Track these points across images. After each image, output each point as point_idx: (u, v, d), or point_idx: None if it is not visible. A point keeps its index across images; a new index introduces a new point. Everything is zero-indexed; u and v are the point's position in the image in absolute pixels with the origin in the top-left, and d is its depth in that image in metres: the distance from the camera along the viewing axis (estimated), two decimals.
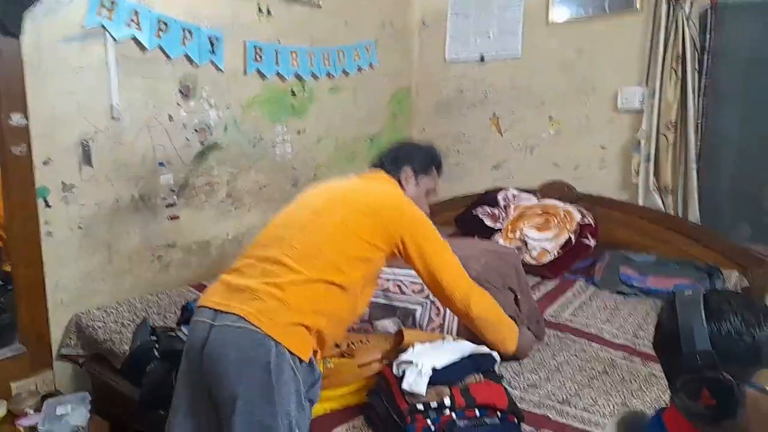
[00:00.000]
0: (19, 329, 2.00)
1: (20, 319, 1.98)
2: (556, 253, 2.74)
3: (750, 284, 2.57)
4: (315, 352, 1.35)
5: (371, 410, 1.48)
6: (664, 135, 2.78)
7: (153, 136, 2.35)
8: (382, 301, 2.03)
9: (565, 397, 1.62)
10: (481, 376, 1.45)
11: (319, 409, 1.51)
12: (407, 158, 1.72)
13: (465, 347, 1.48)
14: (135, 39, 2.22)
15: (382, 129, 3.56)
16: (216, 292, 1.37)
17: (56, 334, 2.07)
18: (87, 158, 2.10)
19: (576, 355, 1.91)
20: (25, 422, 1.80)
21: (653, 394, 1.65)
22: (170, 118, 2.41)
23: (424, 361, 1.39)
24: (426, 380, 1.34)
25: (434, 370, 1.37)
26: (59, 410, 1.80)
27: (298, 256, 1.36)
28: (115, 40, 2.15)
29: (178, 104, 2.42)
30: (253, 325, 1.25)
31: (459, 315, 1.60)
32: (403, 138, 3.68)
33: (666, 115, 2.76)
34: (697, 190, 2.74)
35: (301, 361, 1.28)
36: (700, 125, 2.73)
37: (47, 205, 2.01)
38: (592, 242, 2.84)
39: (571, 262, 2.78)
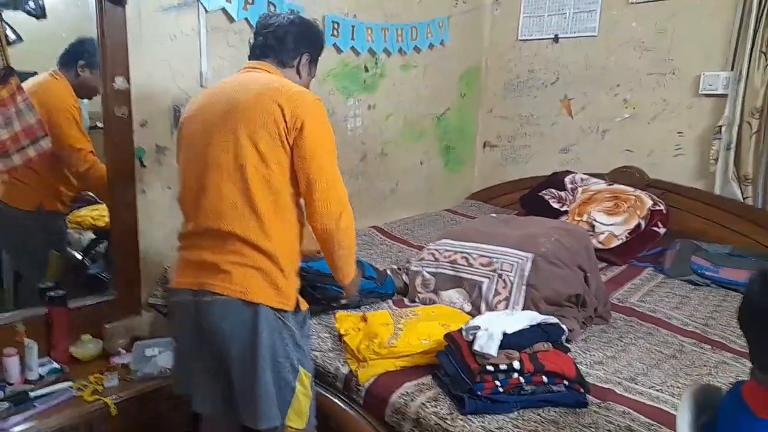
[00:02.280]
0: (112, 277, 2.18)
1: (115, 269, 2.16)
2: (624, 239, 2.70)
3: None
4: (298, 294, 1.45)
5: (439, 369, 1.55)
6: (748, 122, 2.68)
7: None
8: (449, 272, 2.09)
9: (632, 375, 1.63)
10: (550, 344, 1.48)
11: (389, 365, 1.59)
12: (303, 43, 1.55)
13: (534, 316, 1.52)
14: (224, 10, 2.33)
15: (449, 108, 3.57)
16: (184, 272, 1.42)
17: (145, 284, 2.24)
18: (176, 122, 2.24)
19: (643, 338, 1.90)
20: (118, 360, 1.97)
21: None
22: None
23: (494, 325, 1.44)
24: (497, 343, 1.38)
25: (504, 334, 1.42)
26: (148, 352, 1.96)
27: (235, 215, 1.35)
28: (206, 10, 2.27)
29: None
30: (231, 296, 1.33)
31: (325, 223, 1.39)
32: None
33: (751, 101, 2.65)
34: None
35: (286, 311, 1.38)
36: None
37: (142, 165, 2.16)
38: (662, 230, 2.79)
39: (639, 249, 2.74)
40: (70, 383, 1.79)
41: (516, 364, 1.40)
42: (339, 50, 2.83)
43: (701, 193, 2.89)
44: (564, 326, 1.57)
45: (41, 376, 1.81)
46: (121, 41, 1.99)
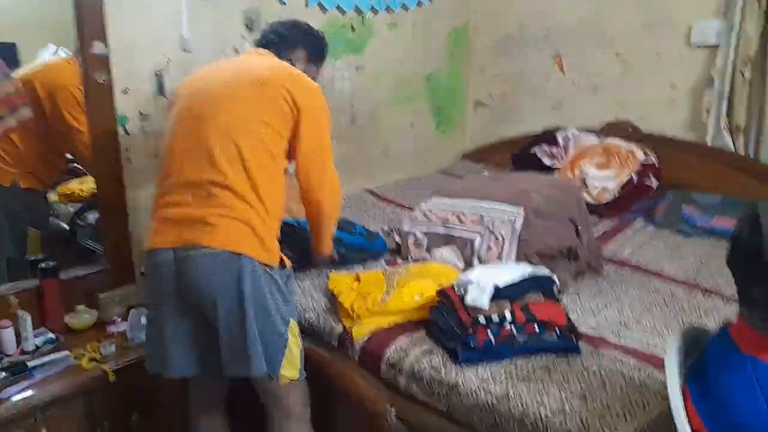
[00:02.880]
0: (104, 248, 2.17)
1: (105, 238, 2.15)
2: (616, 193, 2.70)
3: None
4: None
5: (432, 324, 1.56)
6: (741, 72, 2.64)
7: None
8: (441, 231, 2.08)
9: (623, 321, 1.65)
10: (541, 295, 1.49)
11: (383, 322, 1.60)
12: (301, 40, 1.70)
13: (525, 268, 1.52)
14: None
15: (439, 68, 3.52)
16: (164, 231, 1.41)
17: (138, 253, 2.23)
18: (160, 88, 2.20)
19: (635, 288, 1.91)
20: (114, 328, 1.97)
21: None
22: (236, 50, 2.46)
23: (485, 279, 1.44)
24: (488, 295, 1.39)
25: (496, 287, 1.42)
26: (143, 320, 1.97)
27: (228, 168, 1.38)
28: None
29: (243, 37, 2.47)
30: (217, 248, 1.34)
31: (319, 199, 1.56)
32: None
33: (745, 51, 2.61)
34: None
35: (273, 266, 1.40)
36: None
37: (126, 133, 2.13)
38: (654, 183, 2.78)
39: (631, 203, 2.74)
40: (67, 352, 1.80)
41: (507, 315, 1.41)
42: (324, 9, 2.77)
43: (693, 145, 2.87)
44: (554, 277, 1.57)
45: (37, 347, 1.82)
46: (97, 4, 1.93)
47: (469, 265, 1.98)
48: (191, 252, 1.35)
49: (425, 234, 2.11)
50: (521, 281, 1.47)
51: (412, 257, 2.11)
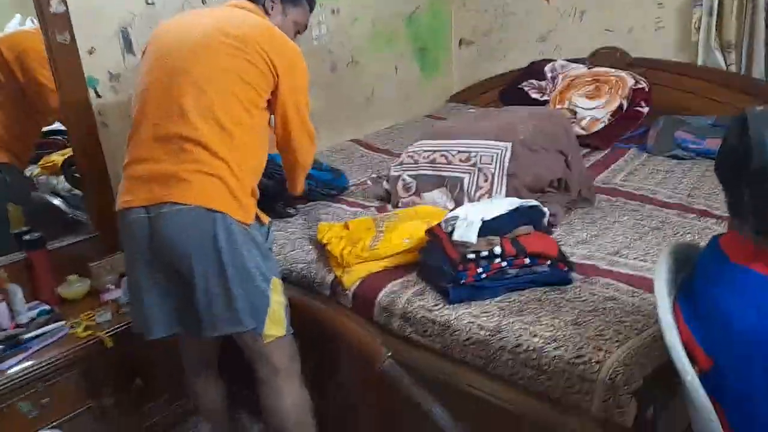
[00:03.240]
0: (90, 216, 2.13)
1: (90, 207, 2.11)
2: (606, 121, 2.64)
3: None
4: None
5: (423, 265, 1.54)
6: None
7: None
8: (429, 173, 2.04)
9: (616, 249, 1.63)
10: (531, 227, 1.47)
11: (373, 267, 1.59)
12: None
13: (513, 201, 1.49)
14: None
15: (419, 6, 3.39)
16: (135, 189, 1.36)
17: None
18: (128, 46, 2.12)
19: (628, 215, 1.89)
20: (107, 296, 1.96)
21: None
22: (203, 1, 2.36)
23: (472, 214, 1.41)
24: (476, 230, 1.37)
25: (483, 221, 1.40)
26: None
27: (203, 122, 1.33)
28: None
29: None
30: (191, 204, 1.29)
31: (296, 155, 1.60)
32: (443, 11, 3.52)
33: None
34: (765, 43, 2.53)
35: (248, 223, 1.36)
36: None
37: (98, 95, 2.06)
38: (645, 109, 2.72)
39: (622, 131, 2.68)
40: (62, 322, 1.79)
41: (497, 249, 1.39)
42: None
43: (684, 66, 2.80)
44: (545, 208, 1.55)
45: (32, 319, 1.81)
46: None
47: (459, 205, 1.95)
48: (164, 209, 1.30)
49: (414, 177, 2.08)
50: (509, 214, 1.44)
51: (402, 202, 2.08)
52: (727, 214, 1.83)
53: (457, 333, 1.34)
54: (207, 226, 1.30)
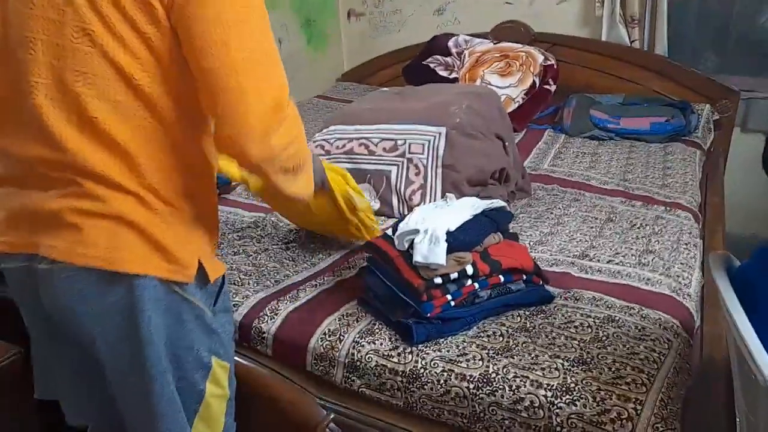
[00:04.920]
0: None
1: None
2: (520, 101, 2.45)
3: (719, 117, 2.44)
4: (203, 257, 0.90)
5: (366, 292, 1.18)
6: None
7: None
8: (346, 165, 1.67)
9: (581, 251, 1.40)
10: (500, 235, 1.17)
11: None
12: None
13: (474, 203, 1.18)
14: None
15: None
16: (5, 224, 0.87)
17: None
18: None
19: (572, 206, 1.68)
20: None
21: (671, 235, 1.47)
22: None
23: (434, 225, 1.08)
24: (444, 247, 1.03)
25: (449, 233, 1.07)
26: None
27: (78, 135, 0.79)
28: None
29: None
30: (89, 264, 0.82)
31: (244, 142, 0.83)
32: None
33: None
34: (667, 19, 2.49)
35: (182, 283, 0.87)
36: None
37: None
38: (553, 87, 2.57)
39: (534, 110, 2.51)
40: None
41: (469, 269, 1.07)
42: None
43: (587, 42, 2.69)
44: (507, 207, 1.26)
45: None
46: None
47: (387, 204, 1.62)
48: (44, 265, 0.82)
49: None
50: (476, 220, 1.13)
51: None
52: (669, 200, 1.71)
53: (428, 386, 1.00)
54: (114, 297, 0.83)
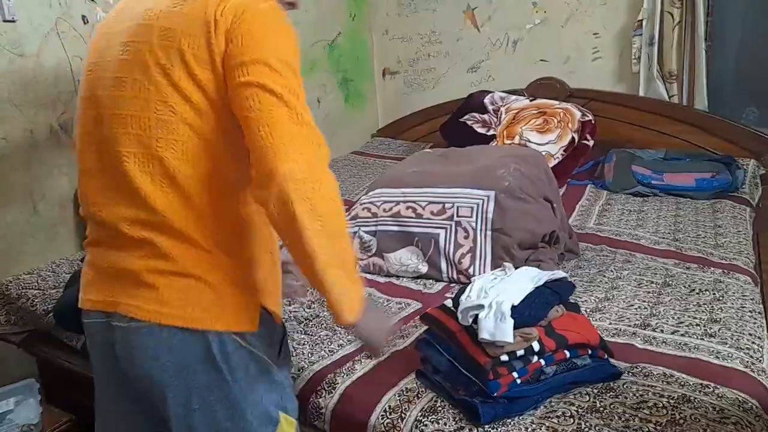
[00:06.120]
0: None
1: None
2: (560, 157, 2.44)
3: (765, 171, 2.40)
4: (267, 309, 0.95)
5: (425, 365, 1.16)
6: (669, 12, 2.48)
7: (66, 45, 1.79)
8: (393, 228, 1.68)
9: (641, 319, 1.36)
10: (563, 307, 1.14)
11: None
12: None
13: (536, 274, 1.16)
14: None
15: (340, 32, 3.05)
16: (92, 283, 0.95)
17: None
18: None
19: (625, 269, 1.64)
20: None
21: (734, 302, 1.41)
22: (84, 20, 1.84)
23: (497, 299, 1.06)
24: (511, 323, 1.01)
25: (513, 308, 1.05)
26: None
27: (154, 197, 0.87)
28: None
29: (92, 0, 1.85)
30: (164, 322, 0.87)
31: (270, 203, 0.82)
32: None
33: None
34: (706, 73, 2.49)
35: (250, 333, 0.92)
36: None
37: None
38: (591, 142, 2.56)
39: (574, 166, 2.50)
40: None
41: (535, 345, 1.04)
42: None
43: (625, 97, 2.70)
44: (567, 277, 1.23)
45: None
46: None
47: (435, 267, 1.60)
48: (129, 324, 0.88)
49: (373, 234, 1.69)
50: (539, 292, 1.10)
51: (360, 265, 1.69)
52: (726, 262, 1.65)
53: None
54: (186, 352, 0.88)
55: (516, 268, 1.21)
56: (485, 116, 2.69)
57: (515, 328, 1.03)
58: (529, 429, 1.00)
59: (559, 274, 1.18)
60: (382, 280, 1.64)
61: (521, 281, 1.13)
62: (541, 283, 1.13)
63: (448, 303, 1.17)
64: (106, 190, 0.91)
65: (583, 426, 0.99)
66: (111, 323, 0.90)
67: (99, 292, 0.93)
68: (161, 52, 0.86)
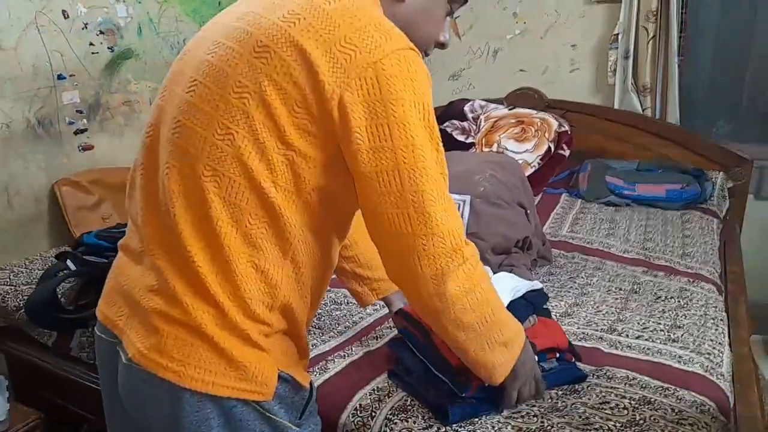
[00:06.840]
0: None
1: None
2: (536, 165, 2.49)
3: (733, 185, 2.47)
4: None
5: (397, 364, 1.18)
6: (644, 27, 2.55)
7: (45, 40, 1.78)
8: None
9: (608, 324, 1.40)
10: (535, 316, 1.17)
11: None
12: None
13: (515, 285, 1.18)
14: None
15: None
16: (109, 294, 0.88)
17: None
18: None
19: (595, 276, 1.70)
20: None
21: (698, 309, 1.46)
22: (65, 14, 1.83)
23: None
24: None
25: None
26: None
27: (189, 235, 0.77)
28: None
29: None
30: (158, 373, 0.77)
31: (418, 296, 0.81)
32: None
33: (646, 5, 2.51)
34: (679, 87, 2.57)
35: (261, 401, 0.80)
36: (682, 15, 2.52)
37: None
38: (567, 152, 2.62)
39: (549, 175, 2.56)
40: None
41: None
42: None
43: (600, 109, 2.76)
44: (542, 287, 1.26)
45: None
46: None
47: None
48: (130, 363, 0.80)
49: None
50: (514, 304, 1.13)
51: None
52: (693, 271, 1.70)
53: None
54: (183, 410, 0.77)
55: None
56: (465, 124, 2.73)
57: None
58: (496, 428, 1.03)
59: (537, 285, 1.21)
60: None
61: (500, 294, 1.15)
62: (519, 295, 1.16)
63: None
64: (148, 197, 0.83)
65: (546, 424, 1.02)
66: (117, 349, 0.83)
67: (110, 308, 0.86)
68: (253, 62, 0.74)
